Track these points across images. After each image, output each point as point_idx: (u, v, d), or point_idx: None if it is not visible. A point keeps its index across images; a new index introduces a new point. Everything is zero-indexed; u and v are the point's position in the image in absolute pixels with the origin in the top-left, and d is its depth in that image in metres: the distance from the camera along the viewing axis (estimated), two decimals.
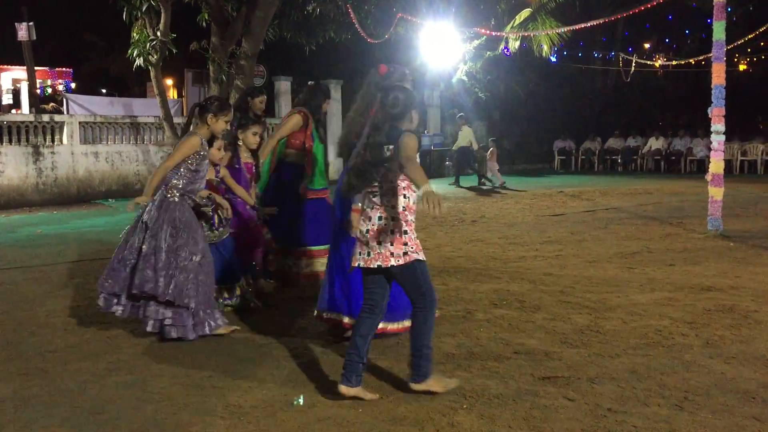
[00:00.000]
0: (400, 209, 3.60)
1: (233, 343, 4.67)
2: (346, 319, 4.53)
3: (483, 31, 15.62)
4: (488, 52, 19.63)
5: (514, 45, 18.60)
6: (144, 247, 4.67)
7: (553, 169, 23.48)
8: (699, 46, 21.01)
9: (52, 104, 19.10)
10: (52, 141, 15.16)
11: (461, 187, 16.86)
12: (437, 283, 5.97)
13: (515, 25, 18.57)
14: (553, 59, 19.55)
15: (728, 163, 21.40)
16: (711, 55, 8.96)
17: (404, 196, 3.62)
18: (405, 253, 3.57)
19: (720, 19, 8.54)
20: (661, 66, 21.23)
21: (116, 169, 16.05)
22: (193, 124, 4.94)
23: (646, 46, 26.48)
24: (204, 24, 13.69)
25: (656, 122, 25.16)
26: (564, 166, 23.74)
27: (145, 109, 17.50)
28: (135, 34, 13.05)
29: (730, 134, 22.23)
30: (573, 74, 23.93)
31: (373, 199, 3.65)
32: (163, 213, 4.74)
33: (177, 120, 16.35)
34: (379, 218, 3.61)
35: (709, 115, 8.85)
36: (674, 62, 20.05)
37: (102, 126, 16.00)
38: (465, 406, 3.52)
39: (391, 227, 3.58)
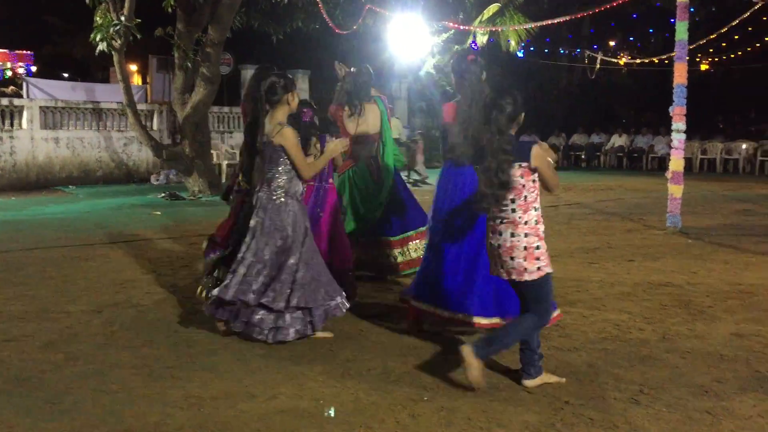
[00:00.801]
0: (533, 223, 3.55)
1: (194, 335, 4.63)
2: (446, 314, 4.37)
3: (451, 24, 15.65)
4: (456, 46, 19.68)
5: (482, 39, 18.67)
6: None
7: None
8: (663, 45, 21.35)
9: (11, 87, 18.65)
10: (11, 125, 14.83)
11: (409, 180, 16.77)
12: (403, 278, 6.00)
13: (483, 19, 18.65)
14: (520, 54, 19.70)
15: (689, 161, 21.80)
16: (674, 54, 9.11)
17: (534, 209, 3.57)
18: (538, 268, 3.55)
19: (683, 19, 8.68)
20: (625, 64, 21.53)
21: (77, 156, 15.77)
22: (267, 115, 4.33)
23: (612, 43, 26.84)
24: (170, 10, 13.48)
25: (620, 119, 25.54)
26: None
27: (108, 94, 17.20)
28: (98, 18, 12.78)
29: (691, 133, 22.65)
30: (540, 70, 24.14)
31: (503, 213, 3.56)
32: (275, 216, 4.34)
33: (141, 107, 16.15)
34: (512, 234, 3.54)
35: (671, 114, 9.00)
36: (638, 60, 20.33)
37: (63, 111, 15.70)
38: (426, 398, 3.55)
39: (524, 243, 3.53)
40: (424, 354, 4.22)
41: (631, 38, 23.31)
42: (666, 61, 17.89)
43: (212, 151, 15.23)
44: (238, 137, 18.45)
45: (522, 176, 3.51)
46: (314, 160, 4.64)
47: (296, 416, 3.35)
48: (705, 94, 24.52)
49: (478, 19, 18.67)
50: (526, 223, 3.53)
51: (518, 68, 23.29)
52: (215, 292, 4.40)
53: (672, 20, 9.40)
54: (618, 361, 4.10)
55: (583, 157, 23.30)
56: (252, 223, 4.40)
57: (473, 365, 3.53)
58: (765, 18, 15.73)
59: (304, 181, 4.48)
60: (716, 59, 22.19)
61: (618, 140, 22.65)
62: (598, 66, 20.46)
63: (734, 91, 25.36)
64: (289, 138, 4.29)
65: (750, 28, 18.15)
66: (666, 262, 6.99)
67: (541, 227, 3.58)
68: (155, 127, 17.00)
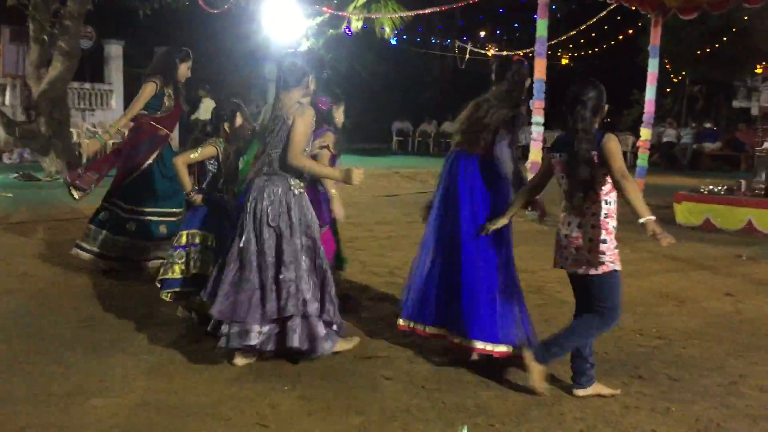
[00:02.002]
0: (602, 217, 3.42)
1: (48, 328, 4.41)
2: (457, 340, 3.91)
3: (324, 9, 15.60)
4: (331, 30, 19.66)
5: (357, 25, 18.75)
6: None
7: (391, 150, 24.05)
8: (527, 39, 22.32)
9: None
10: None
11: None
12: None
13: (358, 5, 18.72)
14: (394, 42, 19.93)
15: None
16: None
17: (606, 202, 3.43)
18: (602, 263, 3.41)
19: (543, 17, 9.13)
20: (493, 55, 22.34)
21: None
22: (287, 89, 3.85)
23: (482, 34, 27.72)
24: None
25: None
26: (401, 147, 24.38)
27: None
28: None
29: (552, 124, 23.93)
30: (413, 58, 24.55)
31: (572, 205, 3.45)
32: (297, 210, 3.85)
33: None
34: (579, 226, 3.44)
35: (531, 107, 9.46)
36: (505, 53, 21.15)
37: None
38: (286, 388, 3.58)
39: (590, 235, 3.42)
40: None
41: (498, 31, 24.22)
42: (530, 55, 18.76)
43: (72, 130, 14.41)
44: (101, 115, 17.56)
45: (594, 167, 3.40)
46: (317, 161, 4.16)
47: (154, 411, 3.29)
48: (565, 88, 25.86)
49: (353, 5, 18.72)
50: (593, 215, 3.42)
51: (392, 55, 23.57)
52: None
53: (535, 16, 9.86)
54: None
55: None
56: (267, 217, 3.79)
57: (535, 370, 3.50)
58: (619, 17, 16.75)
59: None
60: (576, 54, 23.47)
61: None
62: (467, 56, 21.09)
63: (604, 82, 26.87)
64: (307, 117, 3.81)
65: (606, 27, 19.32)
66: (523, 249, 7.28)
67: (612, 222, 3.44)
68: (7, 102, 15.85)
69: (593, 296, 3.48)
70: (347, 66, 22.87)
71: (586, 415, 3.37)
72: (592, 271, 3.42)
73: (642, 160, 11.41)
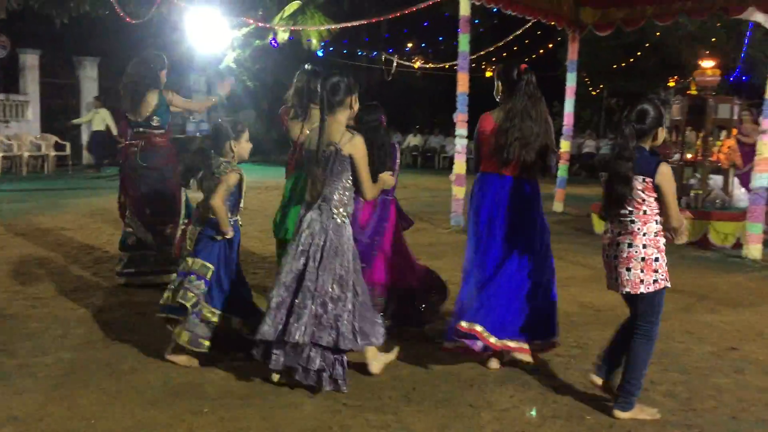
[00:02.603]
0: (652, 235, 3.47)
1: None
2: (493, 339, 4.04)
3: (250, 21, 15.49)
4: (257, 41, 19.52)
5: (283, 36, 18.67)
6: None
7: None
8: (452, 52, 22.75)
9: None
10: None
11: (103, 177, 15.54)
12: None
13: (284, 16, 18.66)
14: (320, 54, 19.95)
15: None
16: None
17: (656, 222, 3.48)
18: (655, 281, 3.46)
19: (465, 32, 9.32)
20: (419, 68, 22.62)
21: None
22: (331, 112, 3.76)
23: (410, 45, 28.03)
24: None
25: (415, 120, 26.78)
26: None
27: None
28: None
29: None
30: (340, 69, 24.61)
31: (623, 224, 3.50)
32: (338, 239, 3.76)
33: None
34: (629, 245, 3.47)
35: (455, 120, 9.62)
36: (430, 65, 21.46)
37: None
38: (206, 410, 3.51)
39: (642, 254, 3.45)
40: (207, 364, 4.17)
41: (423, 44, 24.56)
42: (455, 68, 19.11)
43: None
44: (16, 127, 16.91)
45: (644, 191, 3.44)
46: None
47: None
48: (490, 100, 26.40)
49: (279, 16, 18.64)
50: (644, 234, 3.46)
51: (319, 67, 23.53)
52: (266, 333, 3.68)
53: (458, 30, 10.04)
54: (393, 360, 4.31)
55: None
56: (306, 246, 3.73)
57: (641, 414, 3.52)
58: (539, 32, 17.23)
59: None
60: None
61: (413, 140, 23.75)
62: (394, 69, 21.29)
63: None
64: (360, 149, 3.74)
65: (527, 41, 19.83)
66: (447, 260, 7.43)
67: (662, 240, 3.50)
68: None
69: (641, 315, 3.54)
70: (273, 77, 22.71)
71: (504, 427, 3.43)
72: (643, 289, 3.47)
73: (562, 170, 11.75)
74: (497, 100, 4.34)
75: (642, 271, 3.45)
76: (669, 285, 3.53)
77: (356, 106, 3.90)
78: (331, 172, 3.73)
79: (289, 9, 18.63)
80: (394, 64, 21.30)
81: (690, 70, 10.49)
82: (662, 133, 3.53)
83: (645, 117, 3.45)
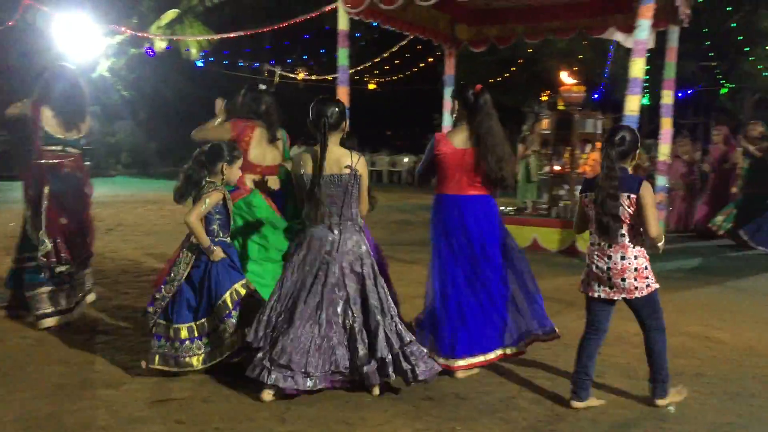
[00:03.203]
0: (639, 247, 3.81)
1: None
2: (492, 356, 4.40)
3: (123, 29, 14.95)
4: (133, 49, 18.87)
5: (161, 45, 18.14)
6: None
7: None
8: (335, 64, 22.90)
9: None
10: None
11: None
12: None
13: (161, 24, 18.14)
14: (200, 64, 19.53)
15: None
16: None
17: (640, 233, 3.80)
18: (647, 285, 3.82)
19: (343, 46, 9.38)
20: (302, 80, 22.57)
21: None
22: (330, 135, 3.95)
23: (289, 60, 27.91)
24: None
25: (299, 132, 26.68)
26: None
27: None
28: None
29: (361, 146, 24.62)
30: (222, 79, 24.17)
31: (613, 238, 3.78)
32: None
33: None
34: (622, 257, 3.79)
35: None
36: (314, 77, 21.47)
37: None
38: None
39: (635, 265, 3.79)
40: (75, 393, 3.96)
41: (305, 56, 24.57)
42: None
43: None
44: None
45: (629, 206, 3.74)
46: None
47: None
48: (373, 112, 26.76)
49: (156, 24, 18.11)
50: (634, 246, 3.80)
51: (201, 76, 23.06)
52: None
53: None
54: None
55: None
56: (358, 268, 3.99)
57: (677, 396, 3.97)
58: (419, 47, 17.63)
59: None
60: (382, 80, 24.38)
61: (297, 151, 23.56)
62: (277, 80, 21.14)
63: (399, 108, 28.10)
64: (365, 167, 4.04)
65: (408, 54, 20.25)
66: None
67: (645, 249, 3.86)
68: None
69: (645, 315, 3.92)
70: (152, 87, 22.01)
71: None
72: (638, 294, 3.83)
73: None
74: (452, 119, 4.58)
75: (635, 280, 3.82)
76: (658, 286, 3.90)
77: (346, 129, 4.13)
78: (350, 194, 3.95)
79: (167, 17, 18.17)
80: (277, 75, 21.16)
81: (559, 85, 11.03)
82: (639, 155, 3.93)
83: (624, 140, 3.79)
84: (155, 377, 4.19)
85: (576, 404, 3.90)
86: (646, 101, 19.17)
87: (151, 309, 4.21)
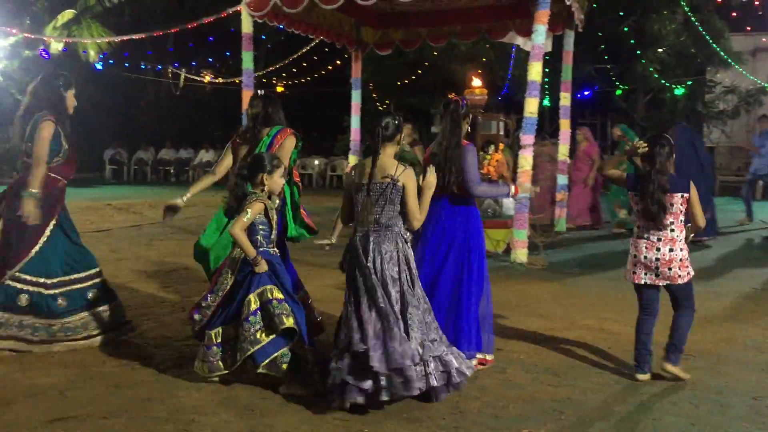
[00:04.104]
0: (683, 239, 4.40)
1: None
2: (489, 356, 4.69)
3: (12, 30, 14.27)
4: (27, 52, 18.03)
5: (57, 47, 17.41)
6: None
7: (104, 179, 22.67)
8: (239, 68, 22.65)
9: None
10: None
11: None
12: None
13: (57, 25, 17.41)
14: (99, 66, 18.87)
15: None
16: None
17: (682, 229, 4.41)
18: (688, 273, 4.42)
19: (248, 50, 9.30)
20: (209, 82, 22.18)
21: None
22: (383, 146, 4.07)
23: (198, 59, 27.38)
24: None
25: (208, 135, 26.21)
26: (116, 176, 23.10)
27: None
28: None
29: None
30: (125, 82, 23.46)
31: (661, 233, 4.39)
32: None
33: None
34: (670, 250, 4.38)
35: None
36: (220, 80, 21.14)
37: None
38: None
39: (680, 256, 4.38)
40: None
41: (210, 59, 24.17)
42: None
43: None
44: None
45: (682, 204, 4.38)
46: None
47: None
48: (285, 114, 26.50)
49: (51, 26, 17.37)
50: (680, 240, 4.39)
51: (101, 79, 22.28)
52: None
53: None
54: (173, 389, 4.18)
55: (172, 171, 23.33)
56: (396, 274, 4.01)
57: (679, 372, 4.43)
58: (327, 49, 17.63)
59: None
60: (290, 82, 24.25)
61: (206, 155, 23.19)
62: (182, 83, 20.70)
63: (309, 111, 28.00)
64: (412, 179, 4.07)
65: (315, 57, 20.22)
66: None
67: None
68: None
69: (682, 298, 4.48)
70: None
71: None
72: (680, 281, 4.40)
73: None
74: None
75: (679, 269, 4.39)
76: (693, 273, 4.49)
77: (403, 142, 4.38)
78: (388, 200, 4.04)
79: (63, 18, 17.46)
80: (182, 78, 20.70)
81: (464, 88, 11.27)
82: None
83: (672, 148, 4.42)
84: (49, 392, 4.04)
85: (641, 377, 4.45)
86: (547, 103, 19.86)
87: (197, 316, 4.28)
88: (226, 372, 4.18)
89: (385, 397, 3.77)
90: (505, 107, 20.15)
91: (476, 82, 10.99)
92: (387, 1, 8.46)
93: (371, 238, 4.03)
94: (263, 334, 4.06)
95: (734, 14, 19.50)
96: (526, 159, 8.37)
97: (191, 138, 24.55)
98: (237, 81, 19.51)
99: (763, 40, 21.04)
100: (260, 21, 9.37)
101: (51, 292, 4.85)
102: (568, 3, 8.59)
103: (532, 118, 8.17)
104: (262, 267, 4.14)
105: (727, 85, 19.90)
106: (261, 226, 4.23)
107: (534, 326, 5.73)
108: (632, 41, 19.56)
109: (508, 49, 16.64)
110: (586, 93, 21.77)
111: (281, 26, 10.24)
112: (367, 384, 3.75)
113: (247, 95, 9.41)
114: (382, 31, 11.56)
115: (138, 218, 12.82)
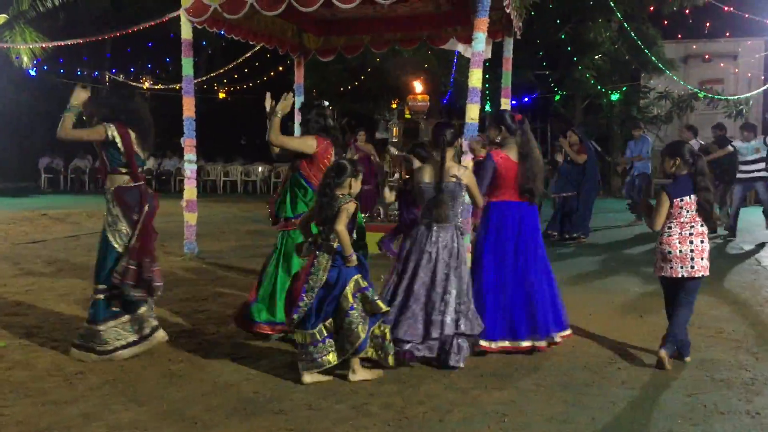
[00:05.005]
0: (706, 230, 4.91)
1: None
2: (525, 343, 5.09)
3: None
4: None
5: None
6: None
7: (40, 189, 22.00)
8: (180, 73, 22.22)
9: None
10: None
11: None
12: None
13: None
14: (33, 72, 18.30)
15: (213, 183, 23.06)
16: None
17: (701, 224, 4.88)
18: (707, 266, 4.87)
19: (187, 56, 9.16)
20: (148, 89, 21.74)
21: None
22: (446, 151, 4.86)
23: (140, 66, 26.79)
24: None
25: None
26: (52, 185, 22.45)
27: None
28: None
29: (215, 156, 24.05)
30: (61, 88, 22.80)
31: (693, 228, 4.85)
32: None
33: None
34: (701, 241, 4.85)
35: (183, 144, 9.40)
36: (160, 86, 20.75)
37: None
38: None
39: (708, 247, 4.88)
40: None
41: (149, 65, 23.67)
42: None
43: None
44: None
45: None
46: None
47: None
48: (226, 120, 26.25)
49: None
50: (706, 233, 4.90)
51: (36, 85, 21.62)
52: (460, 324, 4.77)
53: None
54: (111, 404, 4.08)
55: None
56: (447, 260, 4.84)
57: (667, 360, 4.79)
58: (269, 55, 17.53)
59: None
60: (232, 88, 23.98)
61: (147, 162, 22.76)
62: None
63: (252, 117, 27.73)
64: (471, 177, 4.97)
65: (257, 63, 20.07)
66: (183, 290, 7.24)
67: None
68: None
69: (690, 293, 4.90)
70: None
71: None
72: (703, 273, 4.85)
73: None
74: (497, 141, 5.35)
75: (705, 260, 4.86)
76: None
77: (460, 147, 5.27)
78: (454, 198, 4.87)
79: None
80: (120, 84, 20.26)
81: (407, 94, 11.35)
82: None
83: (700, 157, 4.90)
84: None
85: (662, 352, 4.82)
86: (488, 108, 20.14)
87: (296, 316, 4.44)
88: (334, 364, 4.45)
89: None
90: (447, 113, 20.38)
91: (419, 88, 11.11)
92: (329, 8, 8.42)
93: (434, 228, 4.85)
94: (361, 325, 4.39)
95: (666, 22, 20.12)
96: (468, 164, 8.46)
97: None
98: (177, 87, 19.20)
99: (694, 47, 21.78)
100: (199, 27, 9.23)
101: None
102: (507, 11, 8.73)
103: (474, 124, 8.23)
104: (353, 262, 4.46)
105: (660, 90, 20.54)
106: (348, 225, 4.52)
107: None
108: (569, 48, 20.00)
109: (450, 55, 16.82)
110: (525, 100, 22.16)
111: (222, 32, 10.12)
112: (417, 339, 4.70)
113: (187, 102, 9.27)
114: (325, 37, 11.53)
115: (76, 228, 12.49)
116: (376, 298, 4.48)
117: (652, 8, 19.18)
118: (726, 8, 16.20)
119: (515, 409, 4.10)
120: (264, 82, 20.56)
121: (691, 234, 4.82)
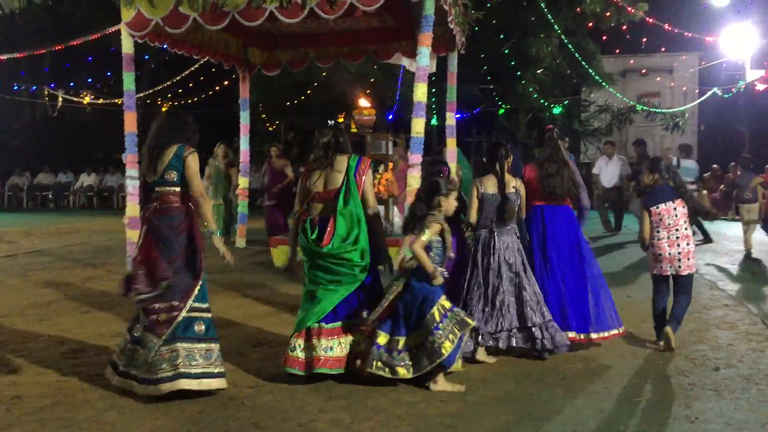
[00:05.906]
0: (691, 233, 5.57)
1: None
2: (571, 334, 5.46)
3: None
4: None
5: None
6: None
7: None
8: (122, 88, 21.73)
9: None
10: None
11: None
12: None
13: None
14: None
15: None
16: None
17: (685, 228, 5.54)
18: (694, 264, 5.58)
19: (129, 70, 8.97)
20: (89, 103, 21.28)
21: None
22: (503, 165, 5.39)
23: (80, 80, 26.18)
24: None
25: (89, 158, 25.13)
26: None
27: None
28: None
29: None
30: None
31: (678, 231, 5.51)
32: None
33: None
34: (687, 244, 5.51)
35: (124, 160, 9.19)
36: (101, 101, 20.34)
37: None
38: None
39: (694, 249, 5.55)
40: None
41: (90, 80, 23.21)
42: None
43: None
44: None
45: (683, 206, 5.58)
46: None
47: None
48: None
49: None
50: (692, 235, 5.59)
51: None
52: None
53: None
54: (57, 428, 3.95)
55: (50, 197, 22.19)
56: (512, 260, 5.27)
57: (673, 337, 5.45)
58: (214, 69, 17.36)
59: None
60: (176, 103, 23.63)
61: (87, 179, 22.24)
62: (59, 104, 19.77)
63: (198, 132, 27.36)
64: (524, 187, 5.51)
65: (202, 78, 19.83)
66: (120, 310, 7.06)
67: None
68: None
69: (687, 285, 5.57)
70: None
71: None
72: (691, 270, 5.55)
73: (242, 207, 11.94)
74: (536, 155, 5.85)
75: (691, 260, 5.52)
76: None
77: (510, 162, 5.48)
78: (517, 206, 5.36)
79: None
80: (59, 99, 19.76)
81: (353, 108, 11.36)
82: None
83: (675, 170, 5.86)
84: None
85: (668, 329, 5.46)
86: (434, 122, 20.34)
87: (372, 315, 4.59)
88: (409, 378, 4.51)
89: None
90: (394, 127, 20.47)
91: (364, 102, 11.12)
92: (273, 23, 8.39)
93: (495, 233, 5.28)
94: (448, 342, 4.43)
95: (605, 38, 20.71)
96: (414, 177, 8.50)
97: (71, 161, 23.46)
98: (119, 102, 18.83)
99: (631, 62, 22.46)
100: (140, 41, 9.08)
101: None
102: (450, 26, 8.83)
103: (420, 138, 8.31)
104: (439, 280, 4.53)
105: (600, 104, 21.07)
106: (436, 245, 4.61)
107: None
108: (513, 63, 20.38)
109: (395, 69, 16.93)
110: (471, 113, 22.44)
111: (165, 46, 9.98)
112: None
113: (129, 117, 9.07)
114: (269, 51, 11.49)
115: (13, 248, 12.09)
116: (462, 315, 4.60)
117: (591, 24, 19.71)
118: (665, 25, 16.77)
119: (463, 421, 4.11)
120: (209, 97, 20.38)
121: (677, 237, 5.50)
